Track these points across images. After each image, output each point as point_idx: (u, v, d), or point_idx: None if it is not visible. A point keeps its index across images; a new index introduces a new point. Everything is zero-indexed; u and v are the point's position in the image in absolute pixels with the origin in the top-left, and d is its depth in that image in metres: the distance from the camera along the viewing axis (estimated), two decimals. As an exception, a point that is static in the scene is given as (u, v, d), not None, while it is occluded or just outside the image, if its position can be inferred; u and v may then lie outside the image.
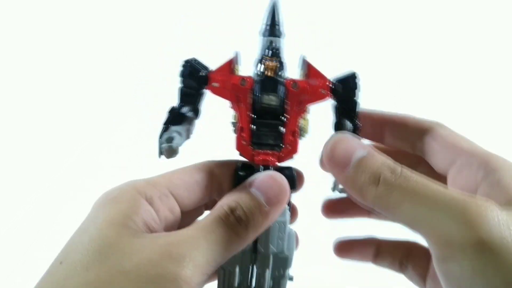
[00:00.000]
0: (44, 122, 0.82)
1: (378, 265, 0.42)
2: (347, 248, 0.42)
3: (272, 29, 0.37)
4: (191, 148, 0.39)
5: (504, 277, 0.26)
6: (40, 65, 0.84)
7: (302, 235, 0.40)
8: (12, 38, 0.85)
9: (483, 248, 0.26)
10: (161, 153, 0.34)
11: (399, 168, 0.30)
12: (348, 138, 0.34)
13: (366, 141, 0.38)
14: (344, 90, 0.36)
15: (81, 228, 0.31)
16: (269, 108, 0.35)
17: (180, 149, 0.35)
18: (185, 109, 0.37)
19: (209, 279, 0.32)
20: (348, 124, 0.36)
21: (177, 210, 0.35)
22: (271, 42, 0.37)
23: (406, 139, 0.38)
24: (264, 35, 0.37)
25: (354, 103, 0.36)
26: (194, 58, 0.37)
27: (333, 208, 0.43)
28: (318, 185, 0.39)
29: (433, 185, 0.29)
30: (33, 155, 0.80)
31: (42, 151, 0.79)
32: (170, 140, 0.34)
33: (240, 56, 0.38)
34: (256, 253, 0.36)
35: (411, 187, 0.29)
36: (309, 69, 0.37)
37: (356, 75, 0.36)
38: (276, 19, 0.37)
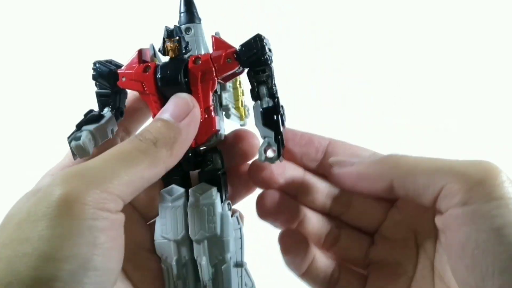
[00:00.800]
0: (42, 122, 0.82)
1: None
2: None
3: (187, 15, 0.37)
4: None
5: None
6: (38, 65, 0.83)
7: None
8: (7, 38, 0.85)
9: None
10: (73, 153, 0.34)
11: None
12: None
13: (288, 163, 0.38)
14: (249, 53, 0.34)
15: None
16: (168, 89, 0.35)
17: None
18: (105, 110, 0.37)
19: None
20: (264, 91, 0.35)
21: None
22: (187, 29, 0.37)
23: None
24: (180, 24, 0.37)
25: (263, 64, 0.34)
26: (110, 59, 0.37)
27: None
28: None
29: None
30: (32, 155, 0.80)
31: (41, 151, 0.79)
32: (77, 138, 0.34)
33: (154, 48, 0.38)
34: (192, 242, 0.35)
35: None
36: (215, 42, 0.36)
37: (259, 35, 0.34)
38: (190, 5, 0.37)
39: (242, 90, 0.40)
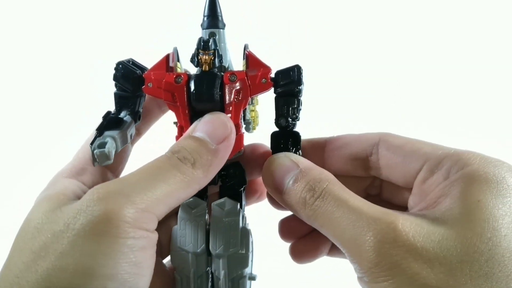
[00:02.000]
0: (41, 122, 0.81)
1: (333, 257, 0.41)
2: (302, 249, 0.41)
3: (212, 20, 0.36)
4: (140, 147, 0.39)
5: None
6: (37, 64, 0.83)
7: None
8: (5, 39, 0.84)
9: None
10: (95, 159, 0.33)
11: (320, 187, 0.31)
12: (278, 164, 0.34)
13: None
14: (285, 81, 0.34)
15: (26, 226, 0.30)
16: (201, 105, 0.34)
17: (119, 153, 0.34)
18: (123, 114, 0.36)
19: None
20: (283, 122, 0.35)
21: (112, 178, 0.36)
22: (211, 35, 0.36)
23: (354, 161, 0.37)
24: (203, 27, 0.36)
25: (294, 97, 0.35)
26: (131, 59, 0.36)
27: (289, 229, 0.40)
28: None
29: (349, 203, 0.29)
30: (31, 155, 0.79)
31: (40, 151, 0.79)
32: (102, 145, 0.33)
33: (178, 52, 0.37)
34: (211, 255, 0.35)
35: (325, 209, 0.30)
36: (249, 59, 0.35)
37: (299, 67, 0.35)
38: (215, 10, 0.36)
39: (257, 99, 0.39)
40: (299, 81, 0.34)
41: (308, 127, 0.38)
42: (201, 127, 0.33)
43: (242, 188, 0.37)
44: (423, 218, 0.28)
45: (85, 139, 0.36)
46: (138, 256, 0.28)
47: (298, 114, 0.35)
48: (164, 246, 0.37)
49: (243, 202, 0.37)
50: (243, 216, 0.36)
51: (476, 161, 0.30)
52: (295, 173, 0.32)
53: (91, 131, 0.35)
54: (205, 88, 0.33)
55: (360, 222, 0.28)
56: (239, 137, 0.35)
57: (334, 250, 0.40)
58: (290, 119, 0.35)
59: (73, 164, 0.35)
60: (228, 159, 0.34)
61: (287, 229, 0.40)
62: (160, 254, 0.37)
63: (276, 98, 0.35)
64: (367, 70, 0.82)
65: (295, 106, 0.35)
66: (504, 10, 0.83)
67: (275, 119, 0.36)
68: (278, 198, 0.34)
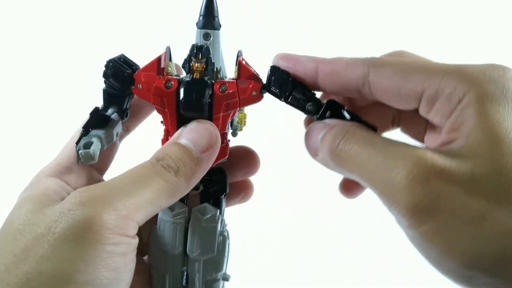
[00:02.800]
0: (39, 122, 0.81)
1: None
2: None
3: (207, 20, 0.35)
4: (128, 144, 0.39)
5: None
6: (35, 64, 0.83)
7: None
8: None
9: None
10: (79, 159, 0.33)
11: (343, 132, 0.30)
12: (311, 129, 0.33)
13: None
14: (278, 87, 0.34)
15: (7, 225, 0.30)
16: (190, 113, 0.34)
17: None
18: (110, 111, 0.35)
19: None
20: (311, 107, 0.34)
21: (98, 176, 0.36)
22: (206, 35, 0.35)
23: (347, 90, 0.33)
24: (198, 27, 0.35)
25: (295, 87, 0.33)
26: (122, 55, 0.35)
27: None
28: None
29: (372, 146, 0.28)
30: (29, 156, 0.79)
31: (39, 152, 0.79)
32: (88, 145, 0.33)
33: (170, 51, 0.36)
34: (187, 255, 0.35)
35: (350, 152, 0.29)
36: (241, 68, 0.35)
37: (274, 66, 0.34)
38: (212, 10, 0.35)
39: None
40: (285, 76, 0.34)
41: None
42: (186, 134, 0.33)
43: (223, 195, 0.37)
44: (447, 153, 0.27)
45: (70, 136, 0.36)
46: (117, 262, 0.28)
47: (311, 92, 0.34)
48: (144, 244, 0.37)
49: (223, 208, 0.38)
50: (222, 221, 0.37)
51: (480, 78, 0.27)
52: (324, 131, 0.32)
53: (77, 128, 0.35)
54: (195, 97, 0.33)
55: (388, 162, 0.27)
56: (225, 146, 0.35)
57: None
58: (313, 101, 0.34)
59: (57, 162, 0.34)
60: (211, 166, 0.34)
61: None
62: (141, 252, 0.37)
63: (288, 103, 0.35)
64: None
65: (303, 91, 0.34)
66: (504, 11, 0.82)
67: (305, 113, 0.35)
68: (317, 160, 0.33)
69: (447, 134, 0.28)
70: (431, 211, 0.25)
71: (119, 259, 0.28)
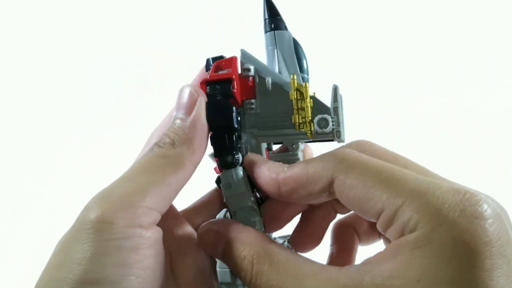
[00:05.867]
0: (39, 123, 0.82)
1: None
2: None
3: (274, 21, 0.34)
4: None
5: None
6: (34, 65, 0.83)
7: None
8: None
9: None
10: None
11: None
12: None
13: None
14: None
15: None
16: None
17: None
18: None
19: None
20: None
21: None
22: (274, 37, 0.34)
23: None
24: (266, 31, 0.34)
25: None
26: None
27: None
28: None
29: None
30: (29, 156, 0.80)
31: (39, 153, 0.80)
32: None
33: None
34: None
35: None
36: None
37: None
38: (275, 10, 0.34)
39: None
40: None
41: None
42: (175, 107, 0.32)
43: None
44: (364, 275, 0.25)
45: None
46: (129, 257, 0.26)
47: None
48: None
49: None
50: None
51: (431, 222, 0.24)
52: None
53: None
54: None
55: None
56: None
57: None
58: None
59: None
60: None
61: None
62: None
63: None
64: (368, 74, 0.82)
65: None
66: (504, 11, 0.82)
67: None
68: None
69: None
70: None
71: (131, 254, 0.27)
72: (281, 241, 0.35)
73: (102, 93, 0.77)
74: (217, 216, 0.35)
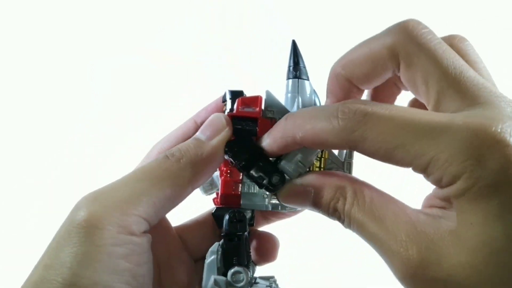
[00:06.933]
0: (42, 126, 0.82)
1: None
2: None
3: (299, 70, 0.34)
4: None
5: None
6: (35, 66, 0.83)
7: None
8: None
9: None
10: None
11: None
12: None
13: None
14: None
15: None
16: None
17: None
18: None
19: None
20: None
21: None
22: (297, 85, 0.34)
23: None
24: (289, 77, 0.34)
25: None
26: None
27: None
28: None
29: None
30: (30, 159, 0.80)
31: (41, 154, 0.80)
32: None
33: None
34: None
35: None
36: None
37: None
38: (300, 59, 0.34)
39: None
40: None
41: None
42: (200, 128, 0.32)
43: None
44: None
45: None
46: (120, 264, 0.26)
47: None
48: None
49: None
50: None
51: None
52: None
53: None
54: None
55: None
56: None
57: None
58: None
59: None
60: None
61: None
62: None
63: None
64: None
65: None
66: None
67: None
68: None
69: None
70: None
71: (122, 261, 0.27)
72: (264, 282, 0.35)
73: (102, 93, 0.77)
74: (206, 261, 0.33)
